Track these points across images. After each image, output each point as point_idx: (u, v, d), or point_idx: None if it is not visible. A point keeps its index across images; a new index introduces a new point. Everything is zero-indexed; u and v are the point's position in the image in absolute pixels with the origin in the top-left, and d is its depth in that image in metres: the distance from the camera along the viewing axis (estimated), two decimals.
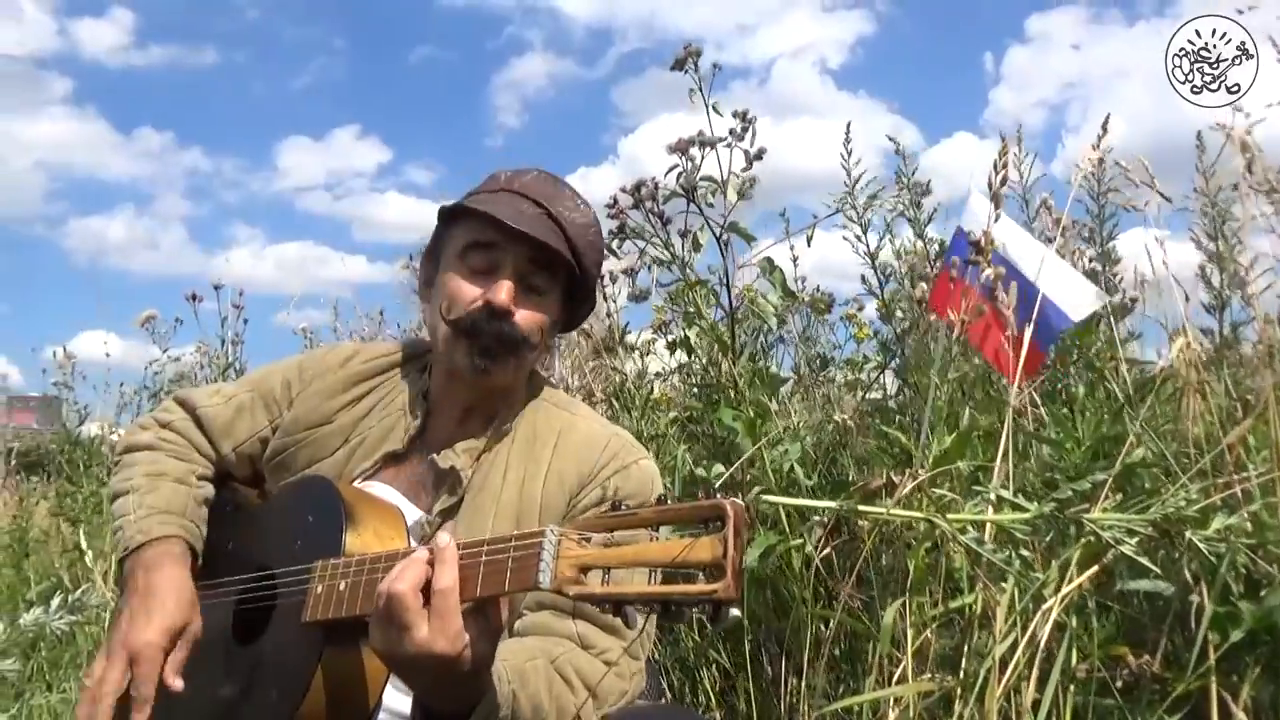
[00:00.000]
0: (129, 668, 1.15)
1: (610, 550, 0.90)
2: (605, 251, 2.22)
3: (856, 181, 2.40)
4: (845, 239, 2.49)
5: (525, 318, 1.28)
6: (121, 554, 1.28)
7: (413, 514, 1.27)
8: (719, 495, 0.86)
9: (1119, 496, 1.43)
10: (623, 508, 0.92)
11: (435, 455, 1.30)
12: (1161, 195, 1.70)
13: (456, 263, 1.30)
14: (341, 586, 1.08)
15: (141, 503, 1.30)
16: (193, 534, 1.31)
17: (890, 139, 2.51)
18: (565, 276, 1.32)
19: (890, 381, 2.52)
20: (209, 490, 1.39)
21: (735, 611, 0.83)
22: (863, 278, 2.53)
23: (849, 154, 2.39)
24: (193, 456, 1.40)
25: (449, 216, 1.35)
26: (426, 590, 0.95)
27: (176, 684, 1.16)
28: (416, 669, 0.97)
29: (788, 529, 1.81)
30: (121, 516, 1.30)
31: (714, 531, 0.84)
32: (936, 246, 2.46)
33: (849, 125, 2.42)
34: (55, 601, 1.66)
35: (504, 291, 1.25)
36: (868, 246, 2.48)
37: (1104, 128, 1.75)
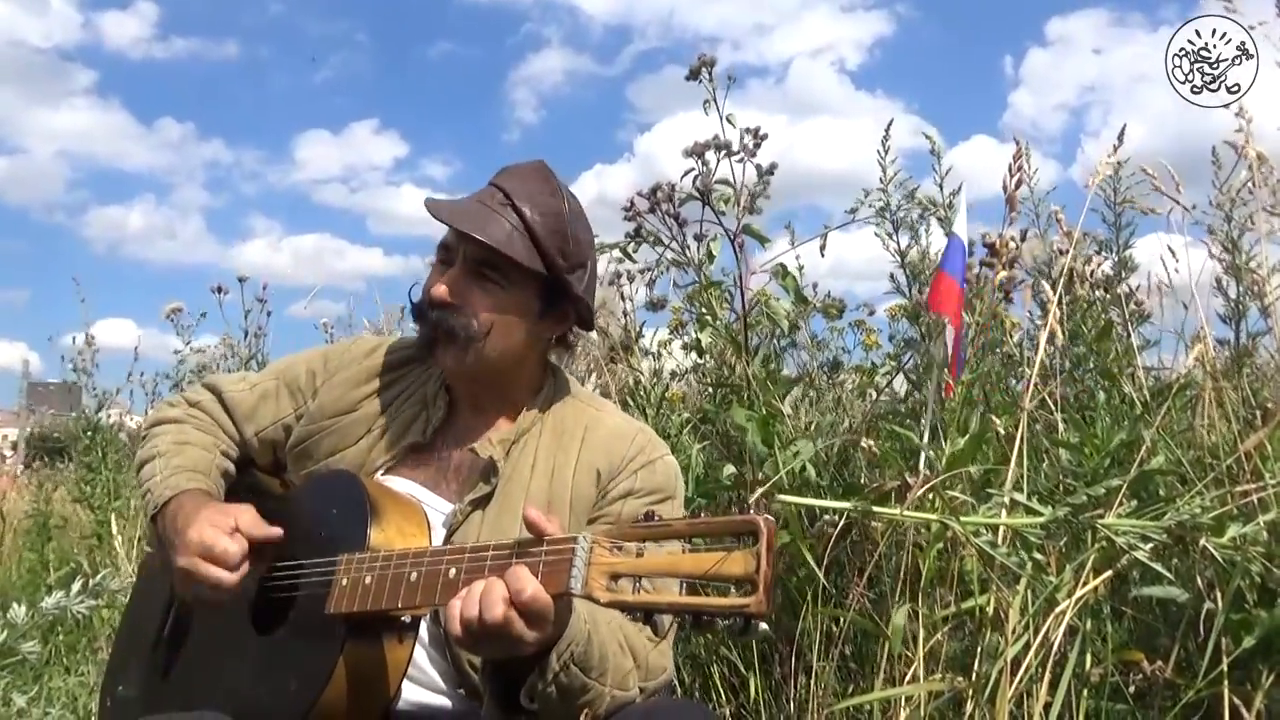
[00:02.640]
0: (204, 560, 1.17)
1: (642, 559, 0.92)
2: (616, 248, 2.24)
3: (892, 179, 2.38)
4: (876, 235, 2.48)
5: (481, 306, 1.29)
6: (151, 512, 1.31)
7: (436, 506, 1.29)
8: (751, 510, 0.88)
9: (1134, 503, 1.43)
10: (656, 519, 0.94)
11: (475, 445, 1.32)
12: (1178, 203, 1.69)
13: (434, 258, 1.36)
14: (367, 580, 1.09)
15: (169, 464, 1.33)
16: (216, 496, 1.33)
17: (926, 136, 2.47)
18: (530, 267, 1.30)
19: (901, 384, 2.51)
20: (230, 465, 1.42)
21: (764, 625, 0.85)
22: (891, 276, 2.52)
23: (886, 150, 2.36)
24: (217, 433, 1.43)
25: None
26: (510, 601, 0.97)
27: (274, 530, 1.21)
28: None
29: (800, 529, 1.82)
30: (149, 479, 1.33)
31: (745, 545, 0.86)
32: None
33: (890, 123, 2.36)
34: (75, 586, 1.68)
35: (440, 285, 1.29)
36: (898, 245, 2.46)
37: (1120, 138, 1.75)
